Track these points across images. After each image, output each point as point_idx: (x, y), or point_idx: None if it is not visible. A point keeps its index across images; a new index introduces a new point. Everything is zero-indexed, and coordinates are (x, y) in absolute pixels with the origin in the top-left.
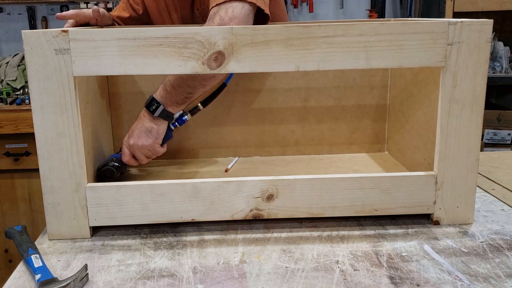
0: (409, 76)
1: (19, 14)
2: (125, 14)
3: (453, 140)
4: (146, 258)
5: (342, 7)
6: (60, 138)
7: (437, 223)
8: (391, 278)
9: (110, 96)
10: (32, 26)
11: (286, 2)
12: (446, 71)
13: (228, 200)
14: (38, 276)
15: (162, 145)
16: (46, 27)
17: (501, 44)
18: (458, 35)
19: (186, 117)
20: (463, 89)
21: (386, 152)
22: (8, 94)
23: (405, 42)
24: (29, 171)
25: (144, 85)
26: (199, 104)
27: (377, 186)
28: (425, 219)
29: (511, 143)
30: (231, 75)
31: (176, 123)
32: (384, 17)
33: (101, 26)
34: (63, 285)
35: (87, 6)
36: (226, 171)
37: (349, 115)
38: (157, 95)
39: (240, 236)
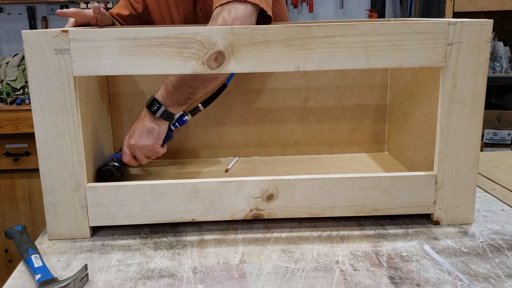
0: (409, 76)
1: (19, 14)
2: (125, 12)
3: (453, 140)
4: (146, 258)
5: (342, 7)
6: (60, 138)
7: (437, 223)
8: (391, 278)
9: (110, 96)
10: (32, 26)
11: (286, 2)
12: (446, 71)
13: (228, 200)
14: (38, 276)
15: (162, 145)
16: (46, 27)
17: (501, 44)
18: (458, 35)
19: (186, 117)
20: (463, 89)
21: (386, 152)
22: (8, 94)
23: (405, 42)
24: (29, 171)
25: (144, 85)
26: (200, 105)
27: (377, 186)
28: (425, 219)
29: (511, 143)
30: (232, 75)
31: (177, 124)
32: (384, 17)
33: (101, 26)
34: (63, 285)
35: (87, 6)
36: (226, 171)
37: (349, 115)
38: (159, 96)
39: (240, 236)
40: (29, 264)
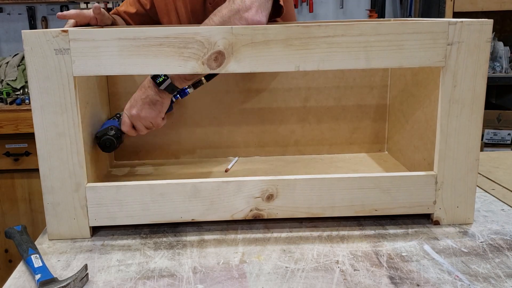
0: (409, 76)
1: (19, 14)
2: (132, 10)
3: (453, 140)
4: (146, 258)
5: (342, 7)
6: (60, 138)
7: (437, 223)
8: (391, 278)
9: (110, 96)
10: (32, 26)
11: None
12: (446, 71)
13: (228, 200)
14: (38, 276)
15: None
16: (46, 27)
17: (501, 44)
18: (458, 35)
19: (188, 90)
20: (463, 89)
21: (386, 152)
22: (8, 94)
23: (405, 42)
24: (29, 171)
25: None
26: (203, 78)
27: (377, 186)
28: (425, 219)
29: (511, 143)
30: None
31: (178, 96)
32: (384, 17)
33: (101, 26)
34: (63, 285)
35: (87, 6)
36: (226, 171)
37: (349, 115)
38: None
39: (240, 236)
40: (29, 264)
